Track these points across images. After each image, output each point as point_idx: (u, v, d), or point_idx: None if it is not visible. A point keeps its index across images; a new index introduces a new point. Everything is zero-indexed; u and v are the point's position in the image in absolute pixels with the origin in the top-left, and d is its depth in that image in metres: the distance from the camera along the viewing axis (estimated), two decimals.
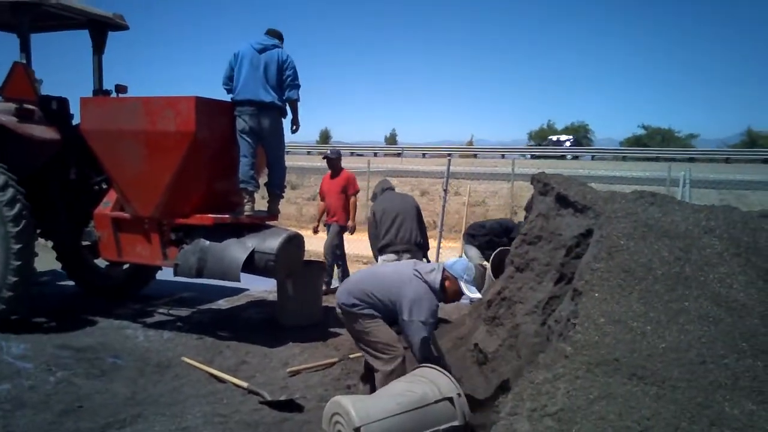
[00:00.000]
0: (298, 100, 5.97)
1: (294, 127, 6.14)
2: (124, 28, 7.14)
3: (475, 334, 4.68)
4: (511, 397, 3.24)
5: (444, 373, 3.73)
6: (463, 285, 4.03)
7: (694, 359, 2.72)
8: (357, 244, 11.72)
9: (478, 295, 4.23)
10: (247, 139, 5.78)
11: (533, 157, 38.60)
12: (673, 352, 2.76)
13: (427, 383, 3.65)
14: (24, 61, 6.15)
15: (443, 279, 4.03)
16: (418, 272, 4.06)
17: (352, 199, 7.91)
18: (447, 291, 4.05)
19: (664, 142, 44.64)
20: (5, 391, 4.52)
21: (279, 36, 6.01)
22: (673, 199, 4.28)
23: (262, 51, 5.79)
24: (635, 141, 47.83)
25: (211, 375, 5.04)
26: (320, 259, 7.87)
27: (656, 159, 34.17)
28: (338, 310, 4.26)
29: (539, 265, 4.37)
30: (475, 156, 40.79)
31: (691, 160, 31.62)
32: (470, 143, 51.98)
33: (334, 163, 7.93)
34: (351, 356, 5.35)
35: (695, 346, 2.78)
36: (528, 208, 5.02)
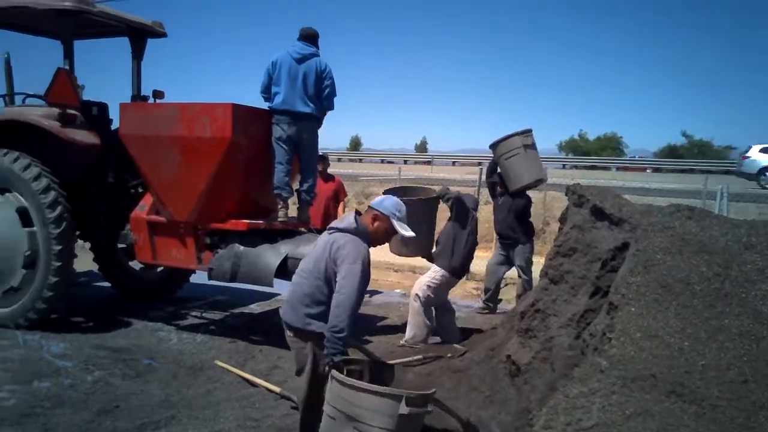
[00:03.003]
0: (332, 109, 6.04)
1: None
2: (163, 35, 7.29)
3: (507, 346, 4.65)
4: (545, 411, 3.22)
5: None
6: (395, 223, 3.60)
7: (735, 378, 2.67)
8: (386, 251, 11.72)
9: (411, 234, 3.71)
10: (284, 146, 5.84)
11: (564, 167, 38.24)
12: (712, 369, 2.72)
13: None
14: (67, 68, 6.31)
15: (372, 218, 3.62)
16: (332, 228, 3.63)
17: (341, 205, 8.03)
18: (376, 231, 3.63)
19: (700, 154, 43.82)
20: (46, 388, 4.65)
21: (314, 37, 5.99)
22: (711, 214, 4.21)
23: (300, 61, 5.81)
24: (669, 152, 47.09)
25: (244, 379, 5.09)
26: None
27: (691, 171, 33.62)
28: (288, 334, 3.66)
29: (574, 277, 4.33)
30: None
31: (727, 172, 31.00)
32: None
33: (325, 167, 7.93)
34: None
35: (736, 365, 2.73)
36: (562, 220, 4.98)
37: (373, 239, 3.64)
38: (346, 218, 3.62)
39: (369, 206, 3.72)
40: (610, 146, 51.31)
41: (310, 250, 3.72)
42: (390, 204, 3.63)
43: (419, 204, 6.15)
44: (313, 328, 3.45)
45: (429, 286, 5.97)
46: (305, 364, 3.54)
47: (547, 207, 13.48)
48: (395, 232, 3.64)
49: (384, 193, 6.42)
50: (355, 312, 3.34)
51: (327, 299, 3.43)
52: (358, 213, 3.68)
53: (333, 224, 3.65)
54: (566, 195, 4.95)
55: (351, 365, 3.46)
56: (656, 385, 2.73)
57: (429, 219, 6.25)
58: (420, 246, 6.28)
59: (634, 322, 3.19)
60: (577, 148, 52.29)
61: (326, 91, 5.88)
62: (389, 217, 3.59)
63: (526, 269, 7.34)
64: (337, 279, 3.38)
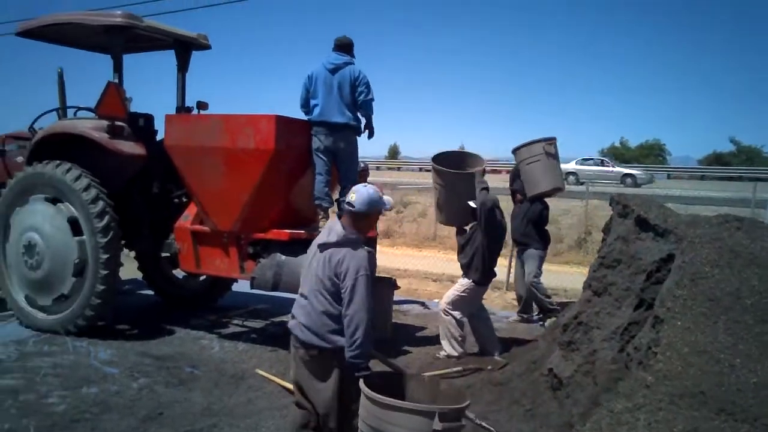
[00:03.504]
0: (372, 113, 6.07)
1: (368, 134, 6.22)
2: (207, 47, 7.44)
3: (549, 358, 4.60)
4: (588, 425, 3.18)
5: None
6: (374, 212, 3.51)
7: None
8: (424, 261, 11.74)
9: (390, 205, 3.61)
10: (323, 157, 5.91)
11: None
12: (765, 387, 2.64)
13: None
14: (116, 81, 6.50)
15: (352, 221, 3.43)
16: (323, 245, 3.43)
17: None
18: (361, 229, 3.47)
19: (748, 161, 42.52)
20: (94, 394, 4.78)
21: (348, 46, 6.06)
22: (763, 224, 4.10)
23: (334, 71, 5.88)
24: (715, 159, 45.92)
25: (284, 388, 5.13)
26: (389, 276, 7.93)
27: (739, 178, 32.69)
28: (307, 356, 3.48)
29: (618, 289, 4.26)
30: None
31: None
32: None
33: (364, 177, 7.98)
34: (425, 375, 5.34)
35: None
36: (606, 230, 4.91)
37: (362, 234, 3.51)
38: (333, 231, 3.44)
39: (346, 209, 3.48)
40: (652, 153, 50.32)
41: (306, 272, 3.59)
42: (363, 200, 3.42)
43: (451, 176, 6.25)
44: (338, 343, 3.33)
45: (458, 299, 5.97)
46: (330, 382, 3.42)
47: (589, 216, 13.29)
48: (378, 216, 3.62)
49: (432, 159, 6.57)
50: (370, 320, 3.27)
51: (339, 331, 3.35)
52: (338, 216, 3.57)
53: (322, 240, 3.46)
54: (610, 205, 4.88)
55: (382, 378, 3.46)
56: (705, 403, 2.67)
57: (462, 192, 6.22)
58: (450, 216, 6.46)
59: (681, 336, 3.13)
60: (618, 155, 51.40)
61: (361, 97, 5.90)
62: (368, 215, 3.47)
63: (531, 274, 7.35)
64: (343, 294, 3.29)
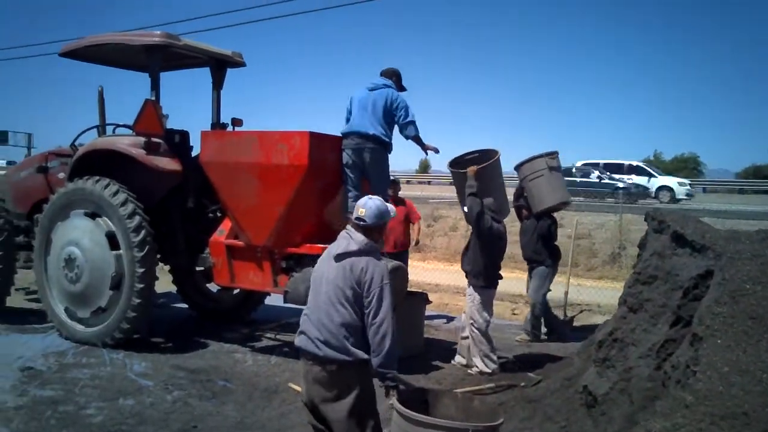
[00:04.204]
0: (417, 135, 6.13)
1: (432, 151, 6.39)
2: (242, 65, 7.57)
3: (584, 376, 4.53)
4: None
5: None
6: (384, 223, 3.53)
7: None
8: (455, 275, 11.68)
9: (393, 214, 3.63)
10: (350, 174, 5.99)
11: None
12: None
13: None
14: (154, 99, 6.64)
15: (364, 233, 3.41)
16: (344, 253, 3.38)
17: (417, 227, 8.26)
18: (376, 240, 3.48)
19: None
20: (130, 406, 4.85)
21: (393, 74, 6.22)
22: None
23: (372, 90, 6.05)
24: (754, 172, 44.86)
25: None
26: (421, 290, 7.90)
27: None
28: (324, 372, 3.28)
29: (654, 306, 4.18)
30: None
31: None
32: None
33: (396, 189, 8.04)
34: (456, 390, 5.30)
35: None
36: (642, 246, 4.84)
37: (384, 243, 3.67)
38: (352, 240, 3.40)
39: (357, 224, 3.45)
40: (687, 167, 49.42)
41: (316, 286, 3.48)
42: (373, 213, 3.43)
43: (456, 176, 6.41)
44: (359, 356, 3.25)
45: (480, 309, 6.01)
46: (348, 398, 3.29)
47: (623, 230, 13.08)
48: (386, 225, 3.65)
49: (451, 165, 6.65)
50: (396, 329, 3.26)
51: (362, 323, 3.29)
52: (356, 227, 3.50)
53: (341, 250, 3.40)
54: (645, 220, 4.82)
55: (415, 394, 3.46)
56: (749, 424, 2.60)
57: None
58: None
59: (722, 355, 3.05)
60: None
61: (400, 120, 6.03)
62: (379, 226, 3.49)
63: (536, 291, 7.29)
64: (367, 302, 3.27)
